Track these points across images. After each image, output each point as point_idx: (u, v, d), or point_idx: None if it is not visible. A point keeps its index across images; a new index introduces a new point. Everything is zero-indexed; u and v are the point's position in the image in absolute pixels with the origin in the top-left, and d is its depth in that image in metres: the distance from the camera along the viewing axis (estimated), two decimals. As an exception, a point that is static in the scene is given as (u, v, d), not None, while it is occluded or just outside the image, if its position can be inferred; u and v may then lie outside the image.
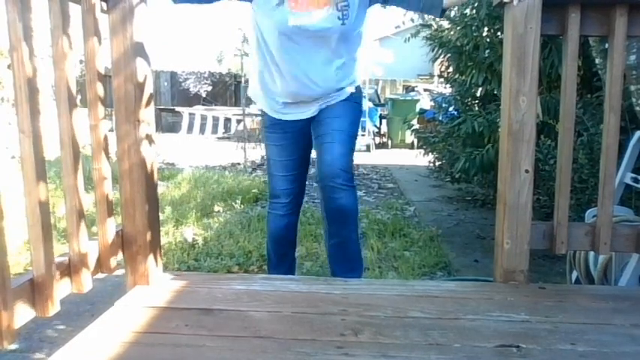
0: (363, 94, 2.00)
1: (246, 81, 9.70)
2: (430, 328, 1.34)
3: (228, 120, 13.37)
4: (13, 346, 1.49)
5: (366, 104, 9.07)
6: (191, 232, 3.48)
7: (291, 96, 1.94)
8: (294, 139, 2.02)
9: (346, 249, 1.98)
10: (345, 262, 1.99)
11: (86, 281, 1.37)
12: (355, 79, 2.01)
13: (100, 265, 1.47)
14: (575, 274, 2.22)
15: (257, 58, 1.97)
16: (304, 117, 1.98)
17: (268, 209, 2.15)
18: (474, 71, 3.63)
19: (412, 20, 5.03)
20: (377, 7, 1.96)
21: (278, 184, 2.07)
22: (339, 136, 1.91)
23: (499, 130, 2.00)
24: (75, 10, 1.32)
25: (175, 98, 15.54)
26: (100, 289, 2.20)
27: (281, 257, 2.15)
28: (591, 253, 2.07)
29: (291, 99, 1.95)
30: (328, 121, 1.95)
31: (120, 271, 1.59)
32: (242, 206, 4.41)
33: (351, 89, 1.99)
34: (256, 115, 10.34)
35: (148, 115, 1.58)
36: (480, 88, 3.84)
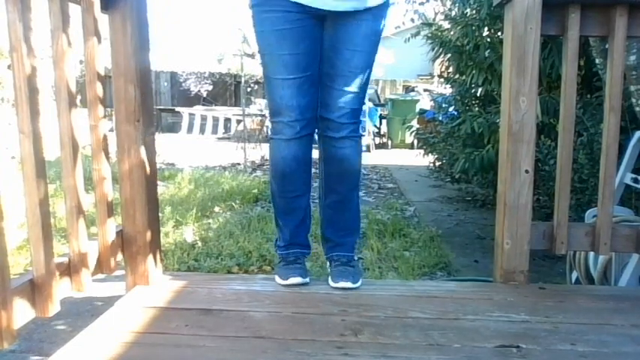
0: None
1: (246, 81, 9.74)
2: (430, 329, 1.34)
3: (228, 120, 13.38)
4: (13, 346, 1.49)
5: (366, 104, 9.08)
6: (191, 232, 3.48)
7: None
8: (302, 24, 1.52)
9: (344, 209, 1.68)
10: (342, 227, 1.69)
11: (86, 281, 1.37)
12: None
13: (100, 265, 1.47)
14: (575, 275, 2.22)
15: None
16: (325, 7, 1.50)
17: (271, 135, 1.67)
18: (474, 71, 3.62)
19: (412, 20, 5.04)
20: None
21: (279, 94, 1.57)
22: (355, 78, 1.57)
23: (499, 130, 2.00)
24: (75, 11, 1.32)
25: (175, 98, 15.54)
26: (100, 289, 2.21)
27: (290, 202, 1.67)
28: (591, 254, 2.06)
29: None
30: (346, 54, 1.55)
31: (120, 271, 1.59)
32: (242, 207, 4.41)
33: None
34: (256, 115, 10.37)
35: (147, 115, 1.58)
36: (480, 89, 3.84)
